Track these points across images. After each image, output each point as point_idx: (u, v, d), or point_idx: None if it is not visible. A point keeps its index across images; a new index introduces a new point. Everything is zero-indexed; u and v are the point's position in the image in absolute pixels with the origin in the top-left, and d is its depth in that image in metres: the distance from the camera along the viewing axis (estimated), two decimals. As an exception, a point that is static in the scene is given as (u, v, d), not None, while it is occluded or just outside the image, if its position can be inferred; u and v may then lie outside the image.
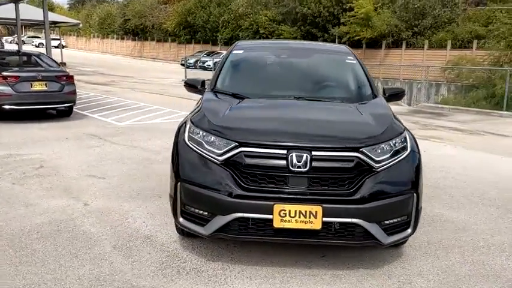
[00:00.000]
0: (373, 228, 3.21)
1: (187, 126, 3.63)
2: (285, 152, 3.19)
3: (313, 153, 3.19)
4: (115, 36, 54.42)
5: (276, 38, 29.83)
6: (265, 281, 3.33)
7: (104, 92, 16.53)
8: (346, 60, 4.84)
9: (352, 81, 4.63)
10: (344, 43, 26.82)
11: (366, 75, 4.61)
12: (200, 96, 4.43)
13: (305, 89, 4.44)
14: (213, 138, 3.38)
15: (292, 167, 3.17)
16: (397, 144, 3.44)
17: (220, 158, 3.28)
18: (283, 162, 3.18)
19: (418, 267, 3.63)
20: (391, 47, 26.20)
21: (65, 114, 10.48)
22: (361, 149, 3.27)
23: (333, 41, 27.84)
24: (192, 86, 4.62)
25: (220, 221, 3.22)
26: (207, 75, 10.29)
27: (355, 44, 27.02)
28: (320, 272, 3.47)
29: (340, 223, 3.19)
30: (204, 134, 3.44)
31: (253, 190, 3.19)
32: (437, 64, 23.00)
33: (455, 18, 24.56)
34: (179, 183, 3.38)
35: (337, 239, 3.26)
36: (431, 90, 23.59)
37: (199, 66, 33.20)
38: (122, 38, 53.62)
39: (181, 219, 3.44)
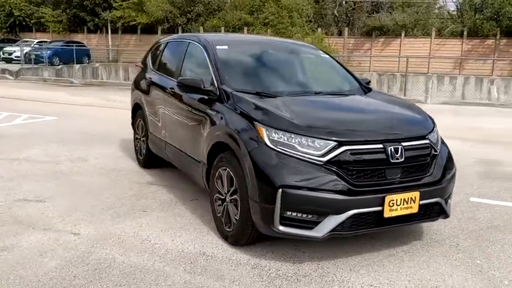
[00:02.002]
0: (444, 203, 3.64)
1: (263, 130, 3.38)
2: (381, 146, 3.35)
3: (403, 144, 3.43)
4: None
5: (36, 22, 26.64)
6: (366, 269, 3.46)
7: None
8: (323, 55, 5.09)
9: (343, 75, 4.88)
10: (117, 28, 25.77)
11: (346, 69, 4.96)
12: (195, 96, 4.22)
13: (314, 84, 4.65)
14: (303, 139, 3.29)
15: (392, 159, 3.35)
16: (435, 128, 3.89)
17: (323, 159, 3.23)
18: (383, 155, 3.34)
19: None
20: (168, 33, 26.29)
21: None
22: (427, 136, 3.66)
23: (105, 26, 26.42)
24: (191, 86, 4.21)
25: (334, 220, 3.20)
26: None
27: (129, 30, 26.24)
28: (396, 252, 3.78)
29: (429, 203, 3.53)
30: (292, 136, 3.31)
31: (362, 186, 3.27)
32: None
33: (223, 6, 26.20)
34: (280, 190, 3.17)
35: (425, 219, 3.62)
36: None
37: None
38: None
39: (281, 227, 3.26)
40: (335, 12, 24.01)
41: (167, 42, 5.74)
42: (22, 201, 4.69)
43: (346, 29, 23.10)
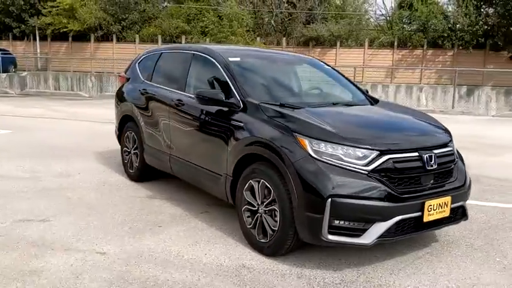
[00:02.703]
0: (466, 206, 3.92)
1: (306, 141, 3.48)
2: (417, 154, 3.56)
3: (434, 151, 3.68)
4: None
5: None
6: (403, 272, 3.66)
7: None
8: (326, 67, 5.32)
9: (348, 85, 5.11)
10: (46, 36, 24.66)
11: (348, 79, 5.22)
12: (216, 108, 4.23)
13: (328, 95, 4.85)
14: (347, 149, 3.41)
15: (428, 166, 3.56)
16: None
17: (368, 168, 3.37)
18: (419, 163, 3.55)
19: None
20: (101, 41, 25.56)
21: None
22: (449, 143, 3.95)
23: (33, 33, 25.15)
24: (212, 99, 4.19)
25: (381, 227, 3.35)
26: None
27: (60, 37, 25.16)
28: (422, 254, 4.02)
29: (457, 207, 3.79)
30: (336, 146, 3.43)
31: (404, 193, 3.44)
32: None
33: (158, 14, 25.85)
34: (329, 199, 3.27)
35: (452, 222, 3.86)
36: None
37: None
38: None
39: (330, 236, 3.34)
40: (272, 22, 24.48)
41: (161, 53, 5.65)
42: (24, 222, 4.42)
43: (284, 38, 23.63)
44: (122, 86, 6.22)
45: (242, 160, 3.96)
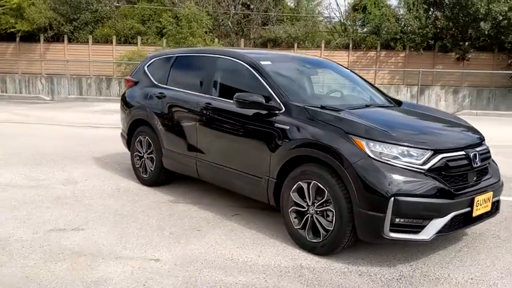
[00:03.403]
0: (499, 200, 4.21)
1: (363, 142, 3.61)
2: (463, 152, 3.81)
3: (476, 149, 3.96)
4: None
5: None
6: (452, 264, 3.90)
7: None
8: (344, 69, 5.52)
9: (369, 87, 5.30)
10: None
11: (365, 80, 5.45)
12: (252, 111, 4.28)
13: (359, 97, 5.01)
14: (403, 149, 3.59)
15: (474, 163, 3.83)
16: None
17: (425, 167, 3.56)
18: (466, 161, 3.80)
19: None
20: (52, 41, 24.57)
21: None
22: (484, 142, 4.26)
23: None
24: (252, 102, 4.22)
25: (439, 223, 3.55)
26: None
27: (6, 38, 23.99)
28: (460, 247, 4.29)
29: (495, 202, 4.05)
30: (393, 146, 3.59)
31: (457, 190, 3.67)
32: (105, 59, 23.48)
33: (111, 14, 25.22)
34: (392, 198, 3.42)
35: (490, 216, 4.09)
36: (101, 85, 24.03)
37: None
38: None
39: (391, 234, 3.51)
40: (229, 23, 24.51)
41: (176, 57, 5.61)
42: (57, 231, 4.29)
43: (243, 40, 23.73)
44: (129, 89, 6.11)
45: (288, 162, 4.04)
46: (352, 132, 3.69)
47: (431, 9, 21.76)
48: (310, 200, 3.89)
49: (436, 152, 3.63)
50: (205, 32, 22.04)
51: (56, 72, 23.87)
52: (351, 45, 22.78)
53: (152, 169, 5.62)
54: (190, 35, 21.09)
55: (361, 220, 3.57)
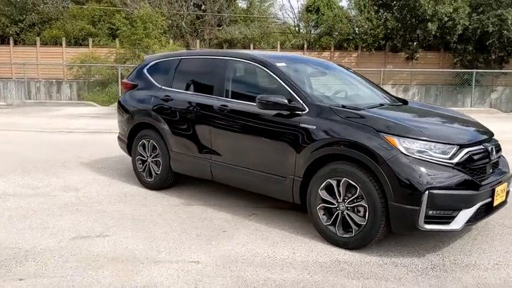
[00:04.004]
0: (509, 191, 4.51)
1: (395, 139, 3.79)
2: (482, 146, 4.09)
3: (491, 143, 4.26)
4: None
5: None
6: (474, 252, 4.18)
7: None
8: (348, 71, 5.74)
9: (374, 86, 5.54)
10: None
11: (371, 82, 5.70)
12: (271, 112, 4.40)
13: (371, 97, 5.14)
14: (432, 145, 3.81)
15: (491, 156, 4.13)
16: None
17: (453, 161, 3.81)
18: (485, 154, 4.07)
19: None
20: (-4, 43, 23.46)
21: None
22: (494, 136, 4.56)
23: None
24: (276, 103, 4.32)
25: (467, 213, 3.79)
26: None
27: None
28: (474, 235, 4.56)
29: (507, 192, 4.35)
30: (423, 143, 3.81)
31: (480, 181, 3.92)
32: (55, 61, 22.73)
33: (59, 15, 24.42)
34: (426, 192, 3.63)
35: (503, 205, 4.31)
36: (51, 89, 23.27)
37: None
38: None
39: (426, 225, 3.72)
40: (183, 24, 24.35)
41: (180, 59, 5.60)
42: (81, 239, 4.21)
43: (198, 41, 23.64)
44: (128, 93, 6.03)
45: (315, 161, 4.17)
46: (383, 130, 3.87)
47: (381, 10, 22.56)
48: (340, 196, 4.03)
49: (461, 146, 3.88)
50: (161, 33, 21.76)
51: (1, 75, 22.79)
52: (305, 46, 23.26)
53: (158, 172, 5.58)
54: (145, 36, 20.76)
55: (396, 214, 3.75)
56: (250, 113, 4.65)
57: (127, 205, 5.15)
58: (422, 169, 3.70)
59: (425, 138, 3.83)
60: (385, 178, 3.74)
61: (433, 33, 20.88)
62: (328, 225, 4.14)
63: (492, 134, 4.46)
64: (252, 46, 23.03)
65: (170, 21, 23.83)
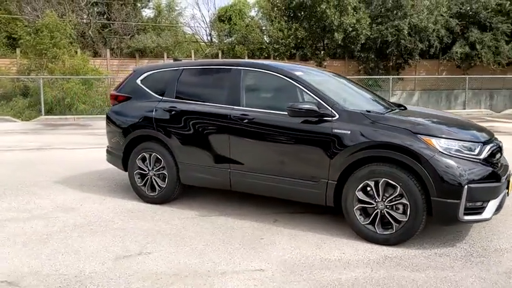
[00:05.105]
0: None
1: (433, 140, 4.16)
2: (496, 143, 4.63)
3: (498, 140, 4.82)
4: None
5: None
6: (496, 237, 4.68)
7: None
8: (346, 79, 6.11)
9: (374, 95, 5.89)
10: None
11: (369, 90, 6.12)
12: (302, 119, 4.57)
13: (376, 103, 5.44)
14: (463, 143, 4.24)
15: (502, 152, 4.67)
16: None
17: (480, 157, 4.25)
18: (499, 149, 4.60)
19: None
20: None
21: None
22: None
23: None
24: (309, 110, 4.51)
25: (494, 203, 4.23)
26: None
27: None
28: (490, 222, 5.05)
29: None
30: (457, 142, 4.21)
31: (501, 174, 4.39)
32: None
33: None
34: (466, 186, 4.02)
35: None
36: None
37: None
38: None
39: (465, 217, 4.11)
40: (90, 33, 23.32)
41: (182, 70, 5.51)
42: (125, 258, 4.01)
43: (108, 50, 22.76)
44: (119, 105, 5.80)
45: (351, 164, 4.40)
46: (419, 131, 4.21)
47: (291, 21, 23.52)
48: (379, 196, 4.29)
49: (484, 144, 4.34)
50: (70, 43, 20.63)
51: None
52: (220, 55, 23.46)
53: (163, 186, 5.43)
54: (53, 45, 19.54)
55: (438, 208, 4.10)
56: (275, 121, 4.75)
57: (143, 221, 4.96)
58: (460, 165, 4.08)
59: (456, 138, 4.24)
60: (427, 176, 4.07)
61: (339, 42, 22.23)
62: (367, 224, 4.37)
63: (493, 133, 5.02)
64: (165, 55, 22.73)
65: (75, 31, 22.64)
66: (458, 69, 24.19)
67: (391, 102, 5.77)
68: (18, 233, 4.57)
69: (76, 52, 21.19)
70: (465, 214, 4.10)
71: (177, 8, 26.72)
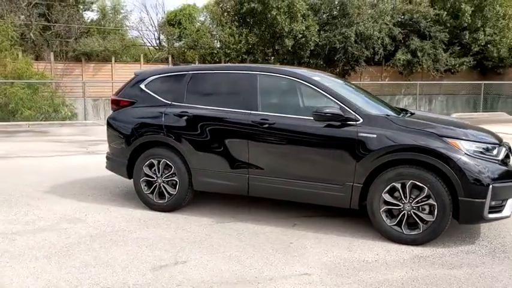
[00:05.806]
0: None
1: (459, 143, 4.34)
2: (507, 145, 4.85)
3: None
4: None
5: None
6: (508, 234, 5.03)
7: None
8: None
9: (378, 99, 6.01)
10: None
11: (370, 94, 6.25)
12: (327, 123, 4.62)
13: (384, 107, 5.46)
14: (484, 145, 4.46)
15: (511, 153, 4.88)
16: None
17: (499, 158, 4.48)
18: (510, 151, 4.85)
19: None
20: None
21: None
22: None
23: None
24: (334, 115, 4.59)
25: (511, 201, 4.48)
26: None
27: None
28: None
29: None
30: (479, 144, 4.44)
31: None
32: None
33: None
34: (490, 186, 4.23)
35: None
36: None
37: None
38: None
39: (489, 215, 4.31)
40: (31, 35, 22.20)
41: (192, 75, 5.39)
42: (163, 268, 3.87)
43: (52, 53, 21.73)
44: (121, 111, 5.58)
45: (377, 167, 4.50)
46: (445, 135, 4.38)
47: (242, 27, 23.61)
48: (406, 198, 4.42)
49: (500, 145, 4.58)
50: (12, 45, 19.54)
51: None
52: (170, 59, 23.11)
53: (174, 193, 5.27)
54: (-6, 48, 18.44)
55: (465, 207, 4.27)
56: (297, 126, 4.76)
57: (160, 229, 4.80)
58: (484, 166, 4.29)
59: (478, 140, 4.46)
60: (455, 177, 4.24)
61: (289, 48, 22.59)
62: (393, 225, 4.48)
63: None
64: (113, 59, 22.07)
65: (16, 33, 21.46)
66: (401, 76, 25.28)
67: (398, 107, 5.94)
68: (33, 246, 4.28)
69: (17, 55, 20.08)
70: (489, 212, 4.30)
71: (122, 11, 26.04)
